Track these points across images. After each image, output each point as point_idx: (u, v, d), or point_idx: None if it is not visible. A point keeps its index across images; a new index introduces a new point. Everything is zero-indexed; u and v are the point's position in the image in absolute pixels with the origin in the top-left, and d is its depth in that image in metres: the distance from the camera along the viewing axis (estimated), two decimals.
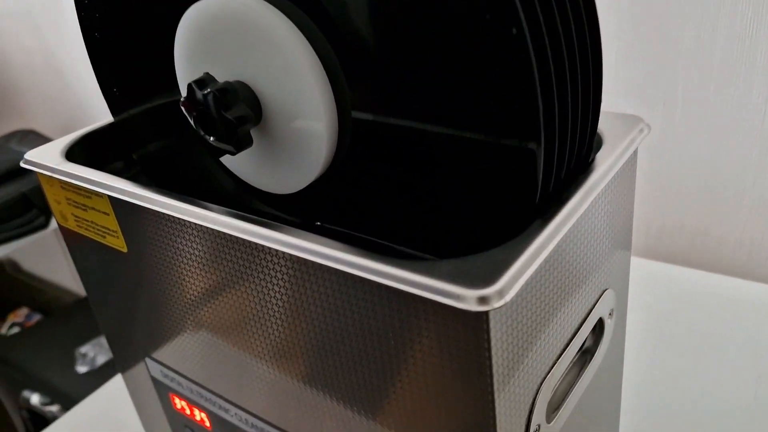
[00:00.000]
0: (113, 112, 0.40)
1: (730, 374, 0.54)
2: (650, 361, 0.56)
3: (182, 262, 0.32)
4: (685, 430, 0.50)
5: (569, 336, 0.29)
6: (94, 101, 1.32)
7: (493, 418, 0.24)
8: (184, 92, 0.33)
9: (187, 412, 0.41)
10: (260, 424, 0.35)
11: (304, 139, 0.29)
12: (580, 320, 0.30)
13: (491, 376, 0.23)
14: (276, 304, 0.29)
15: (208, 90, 0.28)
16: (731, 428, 0.49)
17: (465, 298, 0.21)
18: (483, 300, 0.21)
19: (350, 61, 0.28)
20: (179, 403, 0.41)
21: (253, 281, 0.29)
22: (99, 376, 0.98)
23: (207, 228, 0.29)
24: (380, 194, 0.31)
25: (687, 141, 0.69)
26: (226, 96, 0.28)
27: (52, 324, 1.16)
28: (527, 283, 0.23)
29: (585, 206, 0.26)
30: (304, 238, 0.26)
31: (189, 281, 0.33)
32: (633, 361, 0.49)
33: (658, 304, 0.63)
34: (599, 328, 0.33)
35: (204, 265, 0.31)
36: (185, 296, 0.34)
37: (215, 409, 0.38)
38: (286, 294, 0.28)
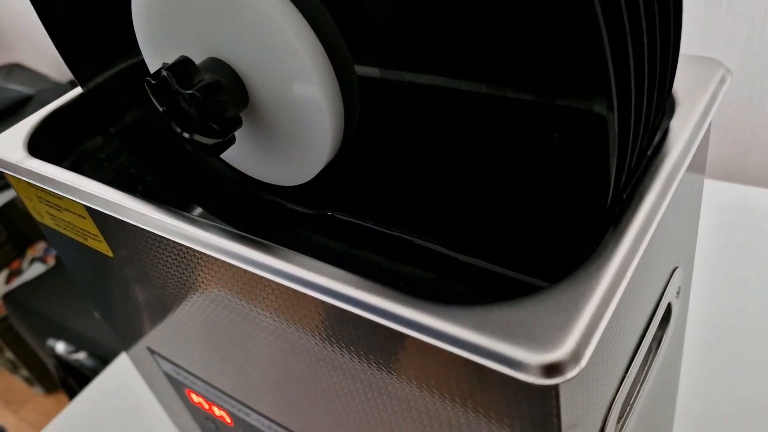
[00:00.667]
0: (81, 82, 0.34)
1: None
2: (706, 296, 0.52)
3: (172, 273, 0.28)
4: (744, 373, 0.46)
5: (637, 342, 0.25)
6: None
7: None
8: (152, 65, 0.27)
9: (206, 407, 0.38)
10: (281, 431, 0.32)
11: (303, 117, 0.24)
12: (648, 318, 0.25)
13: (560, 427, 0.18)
14: (277, 337, 0.24)
15: (190, 90, 0.22)
16: None
17: (528, 367, 0.16)
18: (552, 369, 0.16)
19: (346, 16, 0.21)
20: (196, 398, 0.38)
21: (250, 305, 0.24)
22: None
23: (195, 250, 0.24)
24: (403, 177, 0.26)
25: (732, 35, 0.62)
26: (183, 70, 0.22)
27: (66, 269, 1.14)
28: (605, 332, 0.18)
29: (665, 204, 0.21)
30: (309, 268, 0.21)
31: (183, 292, 0.29)
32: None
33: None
34: (667, 314, 0.28)
35: (198, 281, 0.26)
36: (182, 304, 0.30)
37: (234, 411, 0.35)
38: (287, 327, 0.23)
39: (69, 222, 0.32)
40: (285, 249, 0.22)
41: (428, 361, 0.19)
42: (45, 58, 1.38)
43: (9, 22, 1.40)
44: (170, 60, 0.25)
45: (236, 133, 0.26)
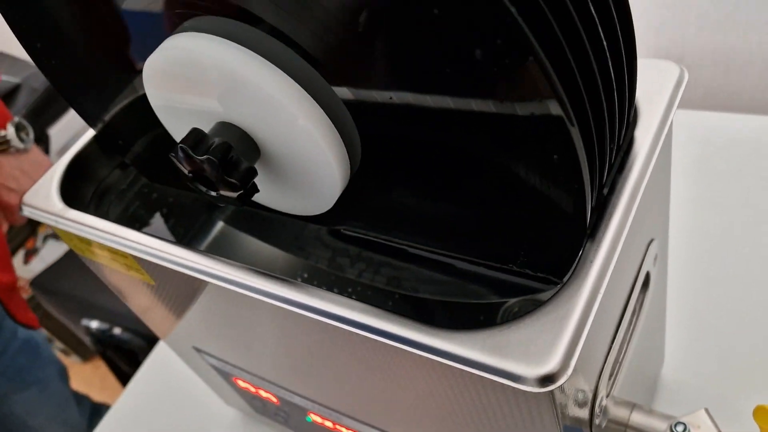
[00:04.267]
0: (92, 125, 0.37)
1: None
2: (689, 227, 0.55)
3: (213, 305, 0.32)
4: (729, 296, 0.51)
5: (619, 317, 0.29)
6: None
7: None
8: (175, 134, 0.30)
9: (252, 390, 0.43)
10: (327, 411, 0.37)
11: (311, 162, 0.27)
12: (628, 291, 0.30)
13: (559, 422, 0.23)
14: (306, 353, 0.29)
15: (205, 156, 0.25)
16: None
17: (526, 379, 0.21)
18: (546, 380, 0.20)
19: (332, 69, 0.24)
20: (243, 384, 0.43)
21: (281, 324, 0.29)
22: None
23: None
24: (400, 197, 0.29)
25: None
26: (226, 158, 0.26)
27: None
28: (588, 337, 0.22)
29: (634, 210, 0.24)
30: (330, 300, 0.25)
31: (223, 305, 0.33)
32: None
33: (692, 154, 0.61)
34: (646, 281, 0.32)
35: (229, 312, 0.30)
36: (224, 313, 0.34)
37: (281, 394, 0.40)
38: (315, 346, 0.28)
39: (110, 257, 0.35)
40: (309, 286, 0.26)
41: (442, 379, 0.23)
42: None
43: None
44: (185, 121, 0.28)
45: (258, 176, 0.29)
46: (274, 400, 0.42)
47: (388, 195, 0.30)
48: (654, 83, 0.27)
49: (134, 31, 0.30)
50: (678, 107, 0.27)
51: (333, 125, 0.26)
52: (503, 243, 0.28)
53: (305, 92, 0.25)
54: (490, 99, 0.22)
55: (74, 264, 1.15)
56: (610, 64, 0.22)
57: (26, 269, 1.61)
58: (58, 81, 0.34)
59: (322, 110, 0.25)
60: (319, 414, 0.39)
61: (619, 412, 0.34)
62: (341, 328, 0.25)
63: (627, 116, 0.26)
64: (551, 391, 0.21)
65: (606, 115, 0.23)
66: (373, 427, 0.35)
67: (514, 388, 0.21)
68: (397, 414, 0.31)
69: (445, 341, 0.22)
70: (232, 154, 0.26)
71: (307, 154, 0.26)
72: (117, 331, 0.97)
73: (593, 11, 0.21)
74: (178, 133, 0.29)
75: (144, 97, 0.33)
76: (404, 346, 0.23)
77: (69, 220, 0.33)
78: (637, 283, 0.30)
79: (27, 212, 0.35)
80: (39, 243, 1.80)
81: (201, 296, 0.33)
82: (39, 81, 1.16)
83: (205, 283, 0.31)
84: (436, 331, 0.22)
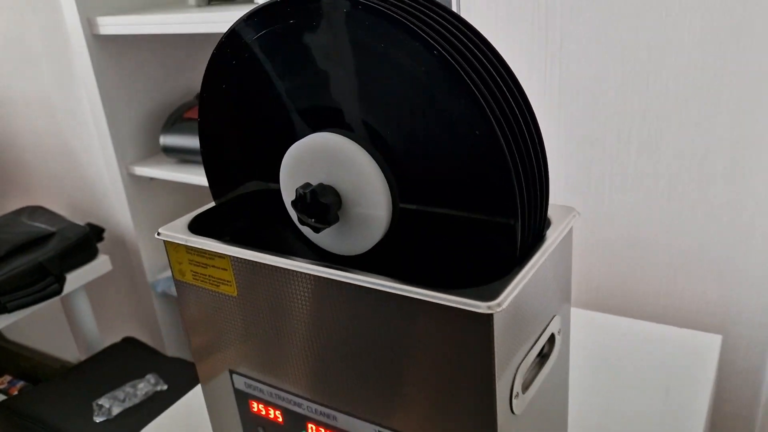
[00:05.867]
0: (215, 198, 0.57)
1: (646, 390, 0.73)
2: (590, 389, 0.74)
3: (280, 298, 0.49)
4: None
5: (534, 339, 0.47)
6: (102, 182, 1.48)
7: (493, 384, 0.41)
8: (285, 196, 0.51)
9: (263, 412, 0.56)
10: (325, 410, 0.52)
11: (369, 219, 0.47)
12: (539, 333, 0.48)
13: (493, 357, 0.40)
14: (342, 326, 0.46)
15: (311, 188, 0.46)
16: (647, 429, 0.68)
17: (480, 306, 0.39)
18: (490, 307, 0.39)
19: (397, 169, 0.46)
20: (256, 406, 0.57)
21: (325, 310, 0.46)
22: (115, 424, 1.10)
23: (295, 272, 0.47)
24: (418, 254, 0.49)
25: (614, 217, 0.90)
26: (322, 190, 0.47)
27: (67, 381, 1.26)
28: (513, 301, 0.41)
29: (542, 260, 0.45)
30: (367, 276, 0.44)
31: (277, 312, 0.50)
32: (577, 388, 0.67)
33: (596, 345, 0.82)
34: (551, 340, 0.51)
35: (287, 301, 0.48)
36: (278, 324, 0.51)
37: (289, 406, 0.54)
38: (351, 318, 0.45)
39: (209, 275, 0.53)
40: (353, 269, 0.45)
41: (433, 315, 0.41)
42: (62, 201, 1.60)
43: (33, 170, 1.64)
44: (296, 183, 0.49)
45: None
46: (279, 419, 0.55)
47: (404, 245, 0.50)
48: (560, 211, 0.50)
49: (268, 144, 0.52)
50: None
51: (390, 193, 0.47)
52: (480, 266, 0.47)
53: (382, 172, 0.46)
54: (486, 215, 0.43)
55: (47, 390, 1.23)
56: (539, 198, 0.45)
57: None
58: (210, 168, 0.56)
59: (387, 185, 0.47)
60: (315, 423, 0.53)
61: None
62: (381, 292, 0.43)
63: (543, 221, 0.48)
64: (491, 315, 0.39)
65: (535, 219, 0.45)
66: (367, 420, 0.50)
67: (474, 312, 0.39)
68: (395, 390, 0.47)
69: (445, 293, 0.41)
70: (335, 207, 0.47)
71: (371, 209, 0.47)
72: None
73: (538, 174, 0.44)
74: (290, 189, 0.50)
75: (248, 195, 0.54)
76: (421, 297, 0.41)
77: (194, 240, 0.52)
78: (544, 333, 0.49)
79: (163, 237, 0.54)
80: None
81: (265, 305, 0.51)
82: (71, 232, 1.36)
83: (278, 287, 0.49)
84: (440, 290, 0.41)
